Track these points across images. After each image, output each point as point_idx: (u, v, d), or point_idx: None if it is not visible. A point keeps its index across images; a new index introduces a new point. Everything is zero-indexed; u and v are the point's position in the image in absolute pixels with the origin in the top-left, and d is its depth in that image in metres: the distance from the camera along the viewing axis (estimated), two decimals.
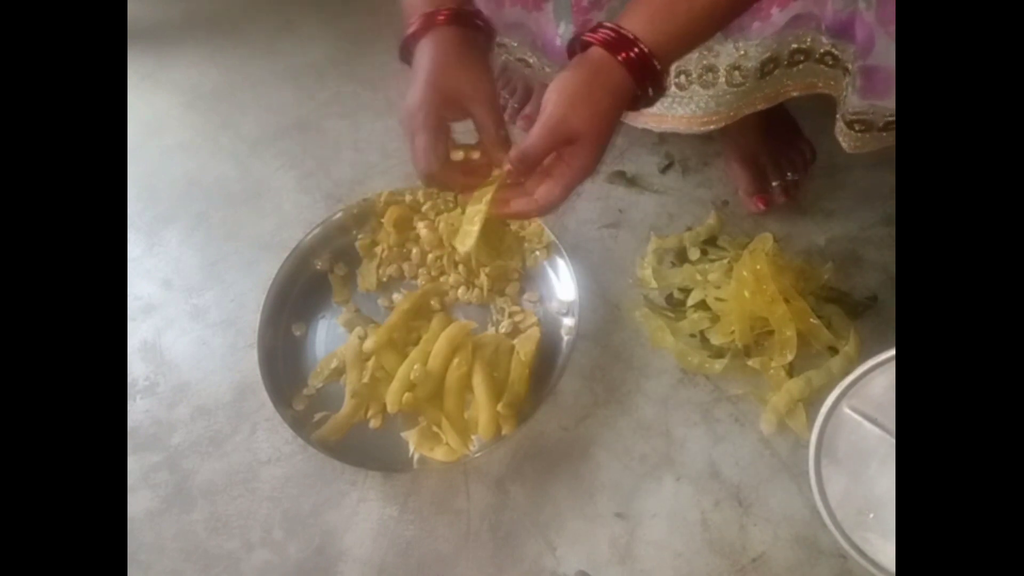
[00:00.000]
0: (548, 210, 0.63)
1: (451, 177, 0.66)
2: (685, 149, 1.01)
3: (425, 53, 0.65)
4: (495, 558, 0.77)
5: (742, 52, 0.74)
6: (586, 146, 0.59)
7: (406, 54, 0.68)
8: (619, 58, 0.57)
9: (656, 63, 0.58)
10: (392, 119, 1.14)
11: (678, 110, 0.80)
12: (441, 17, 0.65)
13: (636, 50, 0.57)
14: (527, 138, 0.60)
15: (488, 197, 0.64)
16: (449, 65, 0.64)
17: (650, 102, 0.61)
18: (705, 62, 0.76)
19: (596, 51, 0.58)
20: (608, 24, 0.59)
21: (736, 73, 0.75)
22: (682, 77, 0.78)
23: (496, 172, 0.64)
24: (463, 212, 0.91)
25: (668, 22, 0.58)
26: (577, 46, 0.61)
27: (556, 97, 0.59)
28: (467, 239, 0.67)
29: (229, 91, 1.23)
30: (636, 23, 0.58)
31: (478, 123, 0.65)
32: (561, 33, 0.74)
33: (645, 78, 0.58)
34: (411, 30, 0.66)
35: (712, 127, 0.81)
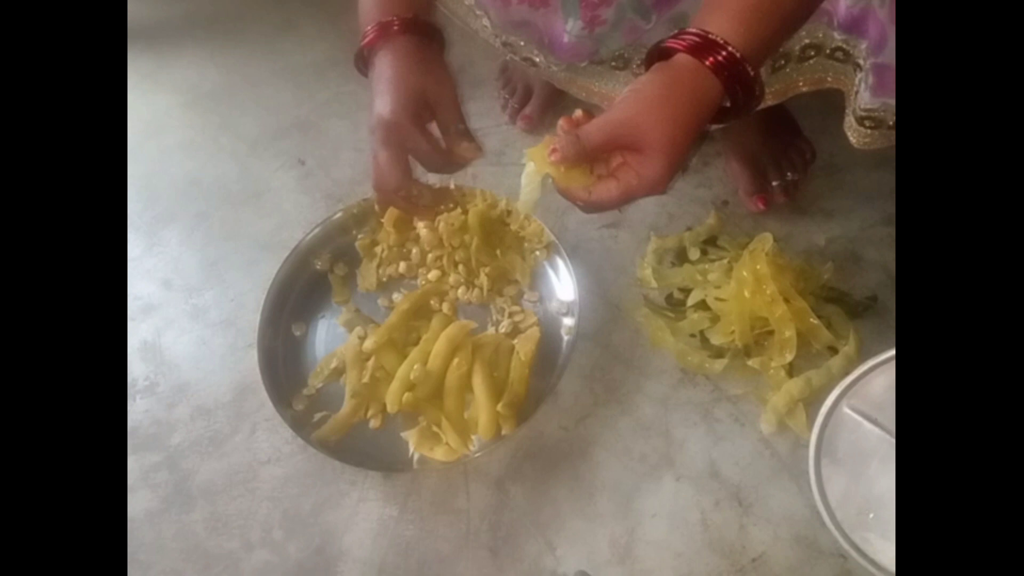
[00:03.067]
0: (598, 208, 0.59)
1: (408, 199, 0.71)
2: None
3: (385, 63, 0.67)
4: (495, 558, 0.77)
5: None
6: (656, 157, 0.55)
7: (361, 63, 0.70)
8: (707, 63, 0.53)
9: (748, 67, 0.54)
10: None
11: None
12: (396, 27, 0.67)
13: (724, 53, 0.53)
14: (586, 125, 0.57)
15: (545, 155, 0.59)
16: (411, 72, 0.67)
17: (739, 114, 0.57)
18: None
19: (681, 57, 0.54)
20: (691, 28, 0.55)
21: None
22: None
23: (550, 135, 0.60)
24: (464, 212, 0.92)
25: (756, 21, 0.54)
26: (656, 54, 0.57)
27: (631, 97, 0.55)
28: (528, 203, 0.64)
29: (229, 91, 1.23)
30: (720, 24, 0.54)
31: (440, 120, 0.69)
32: (569, 29, 0.74)
33: (735, 83, 0.54)
34: (367, 40, 0.68)
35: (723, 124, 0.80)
